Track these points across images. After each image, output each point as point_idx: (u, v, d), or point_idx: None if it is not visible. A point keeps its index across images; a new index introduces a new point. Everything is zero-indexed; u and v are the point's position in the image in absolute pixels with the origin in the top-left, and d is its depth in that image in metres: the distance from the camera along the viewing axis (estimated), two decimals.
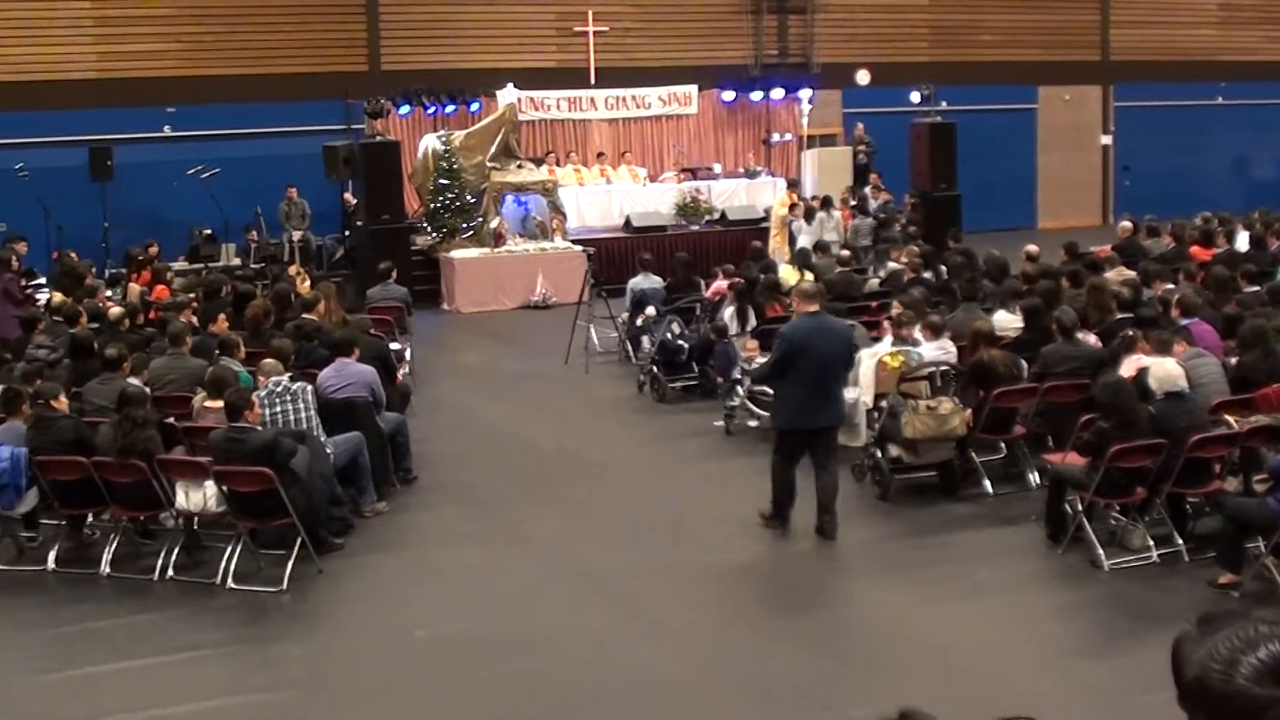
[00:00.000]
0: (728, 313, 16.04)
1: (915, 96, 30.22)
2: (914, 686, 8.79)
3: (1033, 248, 18.86)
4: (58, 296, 18.79)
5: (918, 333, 13.57)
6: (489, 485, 13.90)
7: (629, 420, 16.48)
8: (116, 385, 12.48)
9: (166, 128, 28.66)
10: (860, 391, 13.38)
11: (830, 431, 11.86)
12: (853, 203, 27.94)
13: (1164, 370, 11.05)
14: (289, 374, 12.57)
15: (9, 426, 11.96)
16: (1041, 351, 12.92)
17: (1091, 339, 13.36)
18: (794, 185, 29.38)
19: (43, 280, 22.42)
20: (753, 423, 15.23)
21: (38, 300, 19.35)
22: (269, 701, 9.10)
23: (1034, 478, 12.71)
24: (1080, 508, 10.97)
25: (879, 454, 12.71)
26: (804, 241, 24.77)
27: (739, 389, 15.24)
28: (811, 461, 11.91)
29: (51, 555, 11.69)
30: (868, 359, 13.35)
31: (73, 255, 22.12)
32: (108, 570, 11.43)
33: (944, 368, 12.78)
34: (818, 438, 11.75)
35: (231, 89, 28.59)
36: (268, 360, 12.70)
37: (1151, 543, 10.87)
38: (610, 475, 14.21)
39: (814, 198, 27.69)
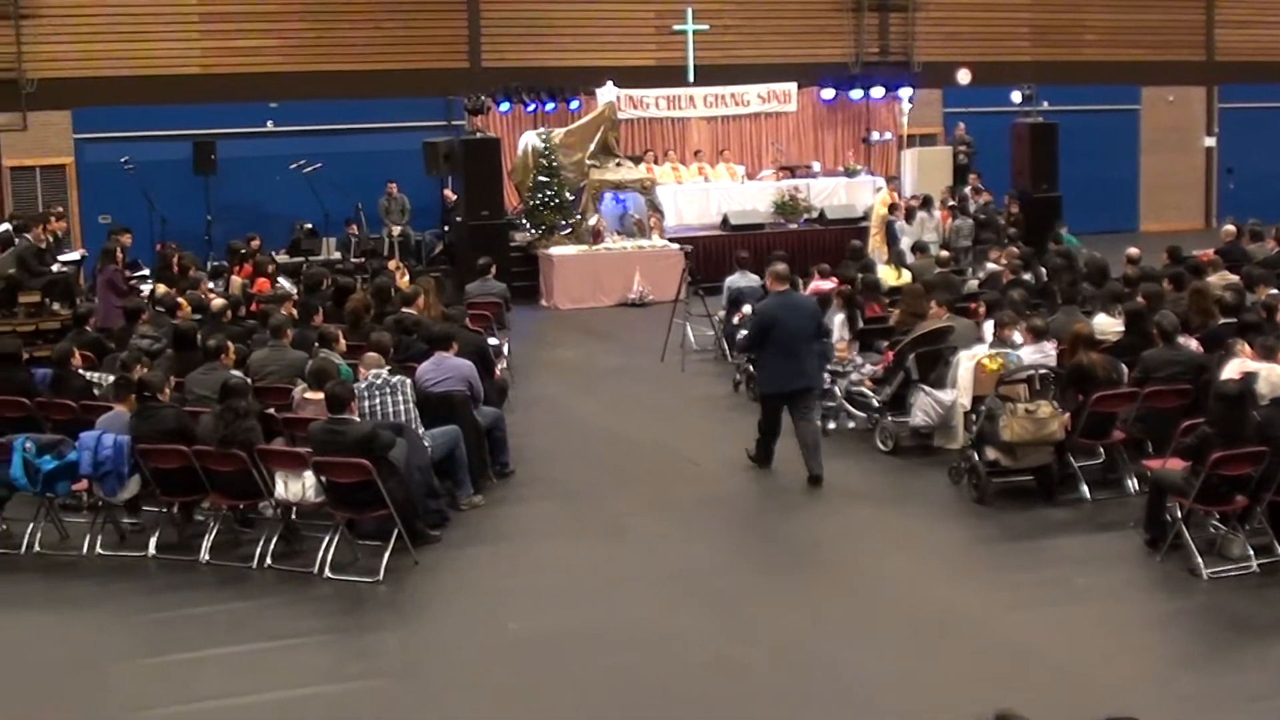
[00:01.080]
0: (837, 319, 15.89)
1: (1016, 96, 29.93)
2: (1008, 690, 8.72)
3: (1134, 250, 18.65)
4: (161, 288, 19.06)
5: (1017, 335, 13.47)
6: (584, 480, 13.96)
7: (724, 418, 16.45)
8: (218, 376, 12.65)
9: (269, 123, 28.97)
10: (958, 393, 13.32)
11: (803, 393, 13.41)
12: (952, 203, 27.73)
13: (1277, 375, 10.92)
14: (388, 367, 12.68)
15: (113, 415, 12.16)
16: (1142, 356, 12.78)
17: (1193, 344, 13.20)
18: (893, 183, 29.23)
19: (146, 272, 22.74)
20: (850, 424, 15.18)
21: (142, 291, 19.62)
22: (364, 690, 9.19)
23: (1132, 484, 12.55)
24: (1179, 515, 10.83)
25: (976, 457, 12.60)
26: (904, 242, 24.65)
27: (836, 389, 15.18)
28: (791, 417, 13.51)
29: (152, 542, 11.88)
30: (966, 360, 13.26)
31: (184, 254, 22.36)
32: (207, 558, 11.60)
33: (1043, 371, 12.66)
34: (793, 399, 13.41)
35: (333, 85, 28.86)
36: (370, 354, 12.80)
37: (1251, 552, 10.73)
38: (704, 473, 14.20)
39: (913, 197, 27.52)
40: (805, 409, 13.47)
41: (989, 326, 14.33)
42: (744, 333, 15.56)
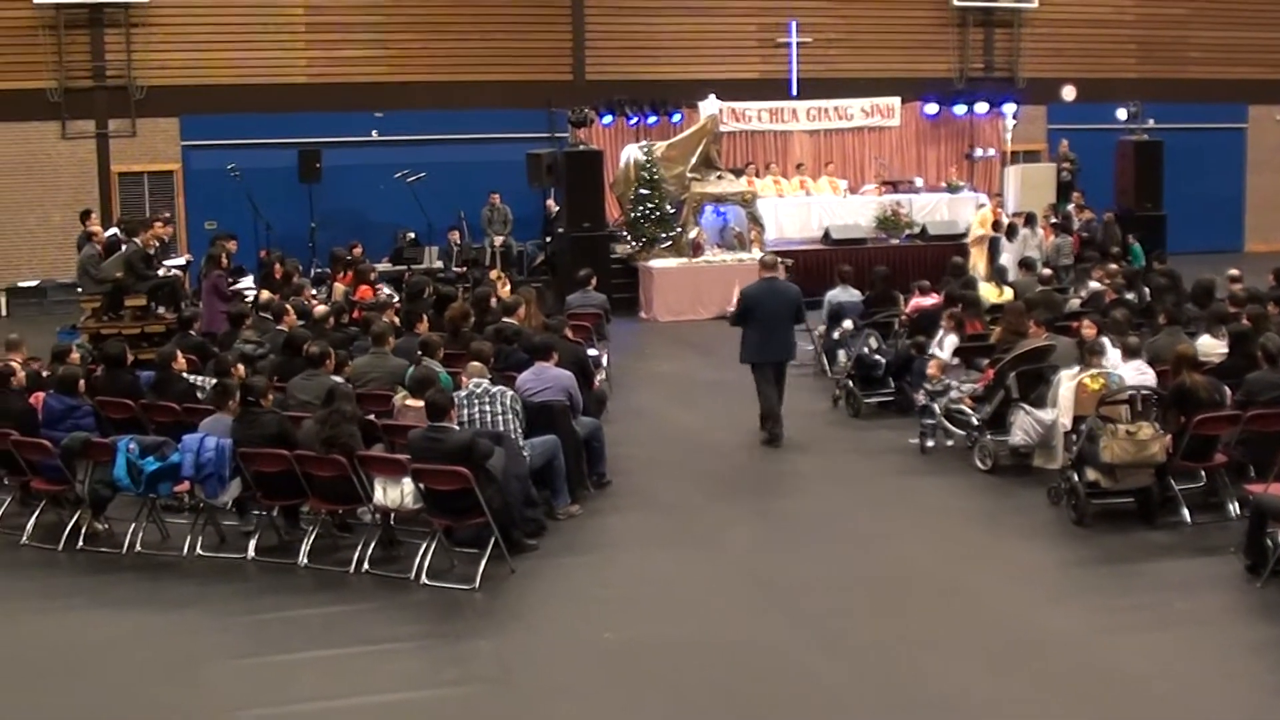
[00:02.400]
0: (948, 341, 15.77)
1: (1121, 113, 29.69)
2: (1102, 715, 8.67)
3: (1235, 271, 18.39)
4: (265, 294, 19.30)
5: (1112, 352, 13.38)
6: (681, 492, 13.97)
7: (822, 433, 16.41)
8: (320, 381, 12.82)
9: (374, 132, 29.32)
10: (1058, 412, 13.19)
11: (777, 364, 15.98)
12: (1055, 220, 27.49)
13: None
14: (489, 377, 12.76)
15: (216, 419, 12.33)
16: (1246, 378, 12.58)
17: None
18: (996, 200, 29.04)
19: (249, 278, 23.03)
20: (949, 441, 15.09)
21: (246, 297, 19.88)
22: (459, 696, 9.25)
23: (1234, 508, 12.34)
24: None
25: (1076, 477, 12.47)
26: (1005, 259, 24.47)
27: (935, 407, 15.09)
28: (765, 381, 15.92)
29: (251, 544, 12.04)
30: (1067, 380, 13.15)
31: (286, 261, 22.64)
32: (305, 561, 11.73)
33: (1145, 392, 12.51)
34: (766, 370, 15.92)
35: (438, 95, 29.16)
36: (474, 363, 12.90)
37: None
38: (802, 488, 14.18)
39: (1016, 214, 27.33)
40: (777, 378, 16.01)
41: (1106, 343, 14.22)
42: (834, 340, 17.67)
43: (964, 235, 27.20)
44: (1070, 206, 28.73)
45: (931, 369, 15.33)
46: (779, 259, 17.88)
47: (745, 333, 15.95)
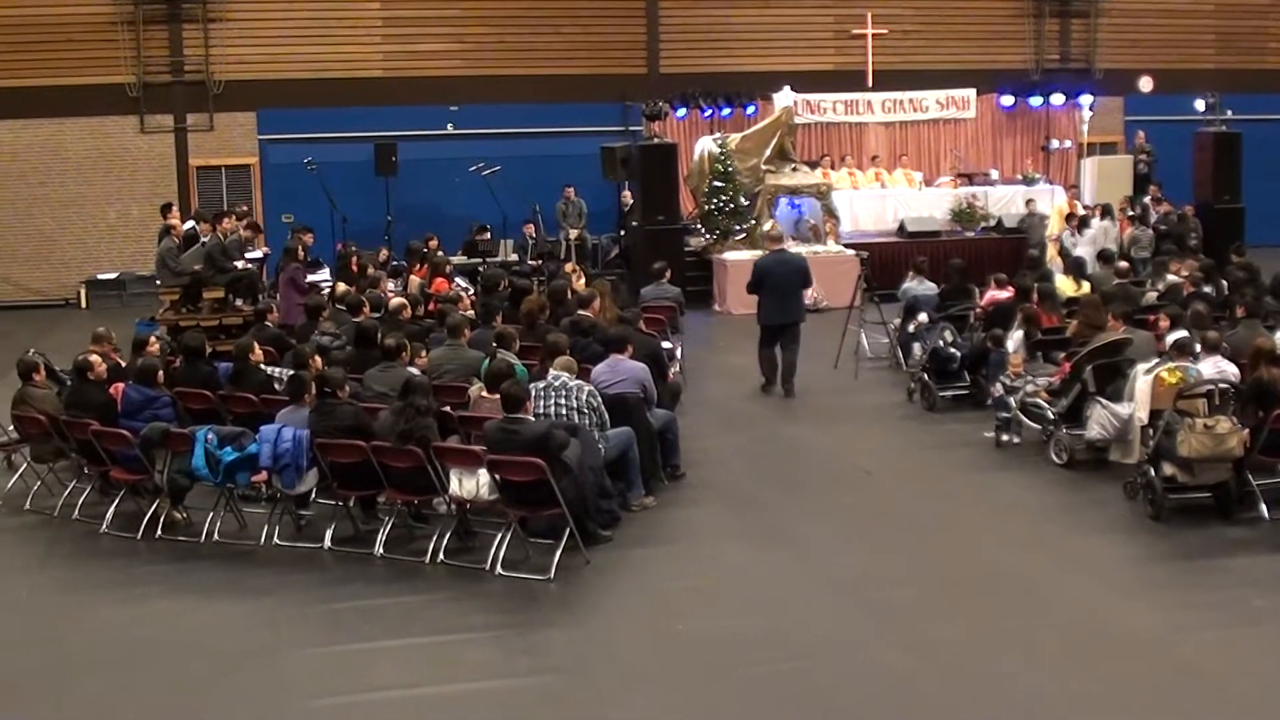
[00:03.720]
0: (1016, 336, 15.73)
1: (1200, 105, 29.40)
2: (1181, 713, 8.62)
3: None
4: (341, 286, 19.43)
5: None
6: (755, 485, 13.98)
7: (897, 427, 16.38)
8: (395, 373, 12.90)
9: (449, 125, 29.47)
10: (1135, 406, 13.10)
11: (789, 327, 18.00)
12: (1131, 212, 27.25)
13: None
14: (574, 373, 12.80)
15: (293, 410, 12.46)
16: None
17: None
18: (1073, 192, 28.84)
19: (326, 271, 23.19)
20: (1016, 439, 15.01)
21: (323, 289, 20.02)
22: (532, 686, 9.30)
23: None
24: None
25: (1153, 472, 12.38)
26: (1082, 251, 24.28)
27: (1011, 400, 15.02)
28: (780, 345, 18.03)
29: (328, 534, 12.14)
30: (1144, 374, 13.05)
31: (362, 254, 22.78)
32: (381, 551, 11.83)
33: (1223, 385, 12.40)
34: (783, 330, 18.00)
35: (513, 89, 29.26)
36: (562, 358, 12.95)
37: None
38: (876, 482, 14.14)
39: (1091, 206, 27.13)
40: (790, 339, 18.06)
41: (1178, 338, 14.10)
42: (910, 333, 18.55)
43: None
44: (1147, 199, 28.46)
45: (1014, 364, 15.25)
46: (784, 234, 21.03)
47: (761, 299, 18.11)
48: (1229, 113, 29.24)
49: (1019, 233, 26.87)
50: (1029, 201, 27.52)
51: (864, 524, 12.71)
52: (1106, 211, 26.18)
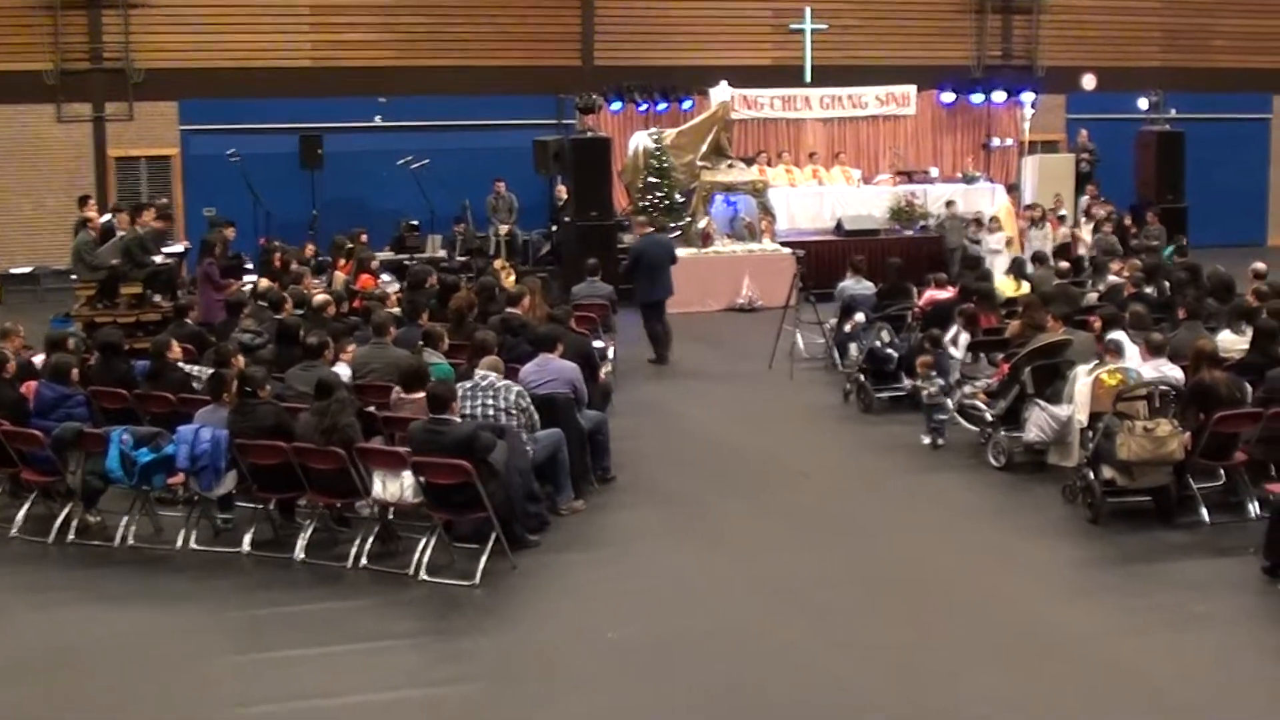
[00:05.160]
0: (962, 339, 15.80)
1: (1143, 103, 29.66)
2: (1120, 718, 8.65)
3: (1260, 265, 18.36)
4: (264, 282, 19.29)
5: (1127, 343, 13.37)
6: (687, 488, 13.95)
7: (832, 429, 16.41)
8: (318, 372, 12.78)
9: (378, 117, 29.33)
10: (1075, 409, 13.16)
11: (663, 302, 20.53)
12: (1062, 212, 27.42)
13: None
14: (501, 373, 12.74)
15: (212, 409, 12.33)
16: (1267, 375, 12.53)
17: None
18: (1013, 193, 28.98)
19: (250, 266, 23.03)
20: (941, 441, 15.12)
21: (244, 286, 19.86)
22: (456, 695, 9.25)
23: (1254, 508, 12.33)
24: None
25: (1092, 475, 12.45)
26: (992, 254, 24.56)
27: (949, 401, 15.08)
28: (653, 319, 20.27)
29: (247, 538, 12.02)
30: (1083, 376, 13.12)
31: (286, 250, 22.64)
32: (302, 556, 11.74)
33: (1163, 388, 12.47)
34: (655, 306, 20.37)
35: (443, 80, 29.16)
36: (490, 357, 12.89)
37: None
38: (810, 484, 14.16)
39: (1029, 207, 27.31)
40: (660, 313, 20.44)
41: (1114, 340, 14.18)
42: (846, 333, 18.40)
43: (1031, 223, 27.02)
44: (1085, 198, 28.64)
45: (921, 363, 15.31)
46: (646, 216, 23.79)
47: (636, 279, 20.40)
48: (1173, 111, 29.52)
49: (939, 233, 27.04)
50: (949, 204, 27.53)
51: (800, 526, 12.71)
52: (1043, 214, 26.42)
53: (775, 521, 12.86)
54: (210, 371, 13.25)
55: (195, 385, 13.85)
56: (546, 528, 12.37)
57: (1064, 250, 22.46)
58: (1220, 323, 15.27)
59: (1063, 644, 9.85)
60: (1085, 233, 26.90)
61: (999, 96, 31.35)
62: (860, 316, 18.17)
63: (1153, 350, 13.18)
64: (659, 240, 21.13)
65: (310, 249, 23.80)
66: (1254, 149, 34.88)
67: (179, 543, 12.12)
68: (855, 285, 19.08)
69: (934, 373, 15.18)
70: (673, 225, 26.07)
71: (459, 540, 11.69)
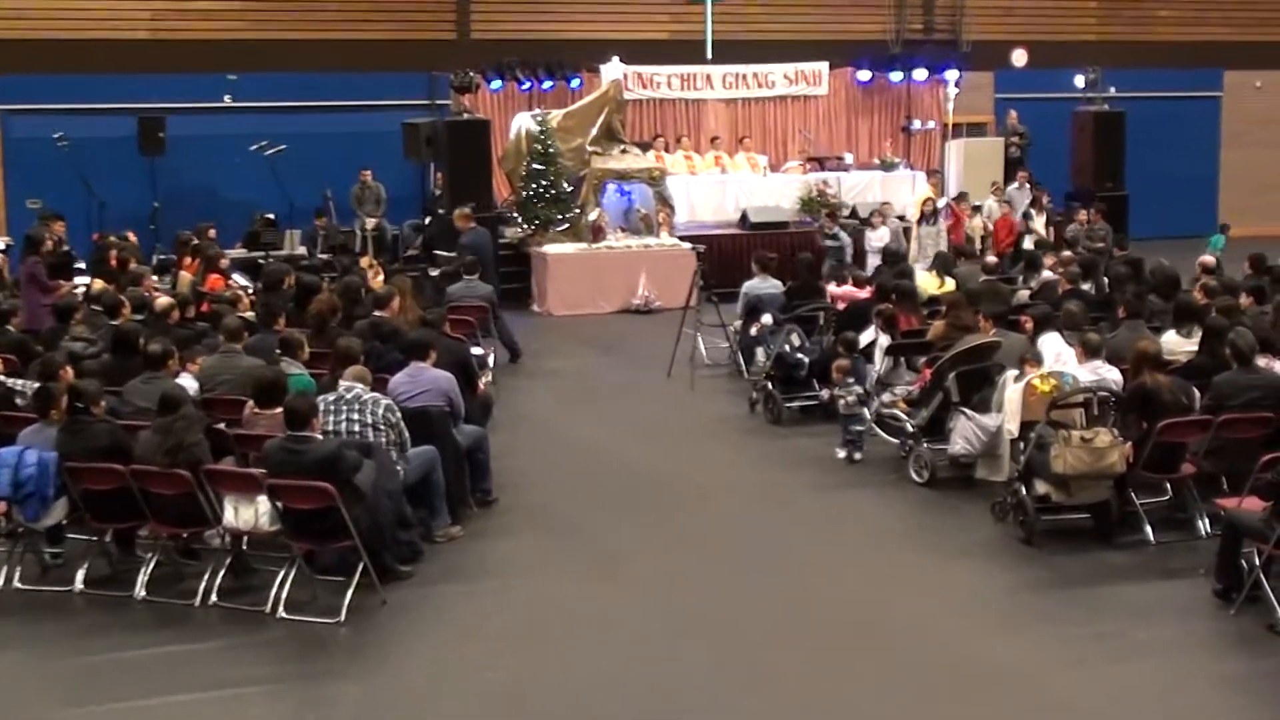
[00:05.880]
0: (880, 343, 15.90)
1: (1079, 81, 30.02)
2: None
3: (1209, 258, 18.64)
4: (98, 284, 19.05)
5: (1062, 345, 13.51)
6: (577, 511, 13.95)
7: (738, 442, 16.48)
8: (161, 385, 12.64)
9: (227, 97, 29.02)
10: (1004, 418, 13.28)
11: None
12: (978, 204, 27.60)
13: None
14: (368, 383, 12.66)
15: (38, 429, 12.12)
16: (1215, 379, 12.69)
17: (1277, 366, 13.13)
18: (934, 178, 29.17)
19: (82, 265, 22.73)
20: (857, 455, 15.20)
21: (75, 287, 19.62)
22: None
23: (1203, 525, 12.51)
24: (1257, 562, 10.80)
25: (1024, 491, 12.57)
26: (924, 246, 24.75)
27: (866, 411, 15.17)
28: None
29: (80, 575, 11.86)
30: (1013, 382, 13.24)
31: (130, 237, 22.39)
32: (143, 593, 11.59)
33: (1102, 394, 12.62)
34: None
35: (301, 56, 28.91)
36: (355, 366, 12.81)
37: None
38: (715, 504, 14.20)
39: (959, 196, 27.50)
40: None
41: (1048, 342, 14.30)
42: (752, 337, 18.56)
43: (901, 218, 27.30)
44: (1014, 186, 28.84)
45: (836, 368, 15.40)
46: (469, 209, 23.50)
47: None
48: (1111, 90, 29.90)
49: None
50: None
51: (703, 552, 12.73)
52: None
53: (675, 548, 12.87)
54: (36, 385, 13.05)
55: (19, 401, 13.65)
56: (420, 557, 12.30)
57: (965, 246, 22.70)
58: (1164, 322, 15.48)
59: (993, 678, 9.95)
60: (1039, 224, 27.13)
61: (920, 74, 31.64)
62: (767, 318, 18.23)
63: (1089, 351, 13.33)
64: (486, 233, 22.20)
65: (133, 237, 23.42)
66: (1202, 130, 35.36)
67: (1, 581, 11.93)
68: (762, 284, 19.14)
69: (851, 379, 15.28)
70: (560, 217, 26.10)
71: (321, 572, 11.61)
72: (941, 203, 27.06)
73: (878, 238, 25.63)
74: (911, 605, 11.37)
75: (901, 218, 27.15)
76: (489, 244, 21.58)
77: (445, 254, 23.13)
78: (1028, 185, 28.69)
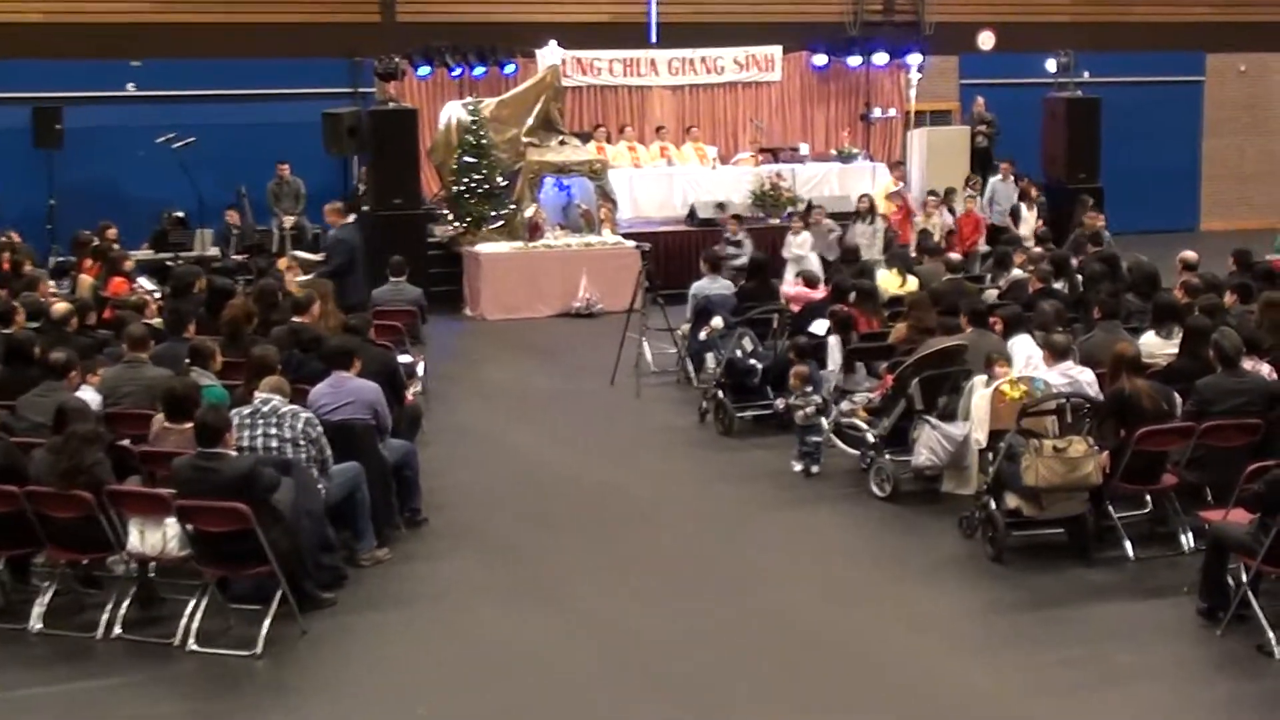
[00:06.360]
0: (833, 341, 15.93)
1: (1051, 65, 30.13)
2: None
3: (1190, 254, 18.70)
4: None
5: (1034, 348, 13.55)
6: (514, 531, 13.94)
7: (687, 456, 16.49)
8: (59, 398, 12.55)
9: (130, 86, 28.89)
10: (971, 426, 13.29)
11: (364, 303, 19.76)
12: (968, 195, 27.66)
13: None
14: (285, 395, 12.59)
15: None
16: (1198, 383, 12.73)
17: (1263, 369, 13.19)
18: (898, 170, 29.20)
19: None
20: (815, 468, 15.23)
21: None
22: None
23: (1187, 540, 12.57)
24: (1245, 579, 10.84)
25: (993, 504, 12.60)
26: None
27: (824, 420, 15.19)
28: None
29: None
30: (981, 388, 13.26)
31: (14, 237, 22.27)
32: (39, 626, 11.49)
33: (1076, 400, 12.65)
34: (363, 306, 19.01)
35: (212, 41, 28.79)
36: (271, 376, 12.73)
37: None
38: (662, 523, 14.21)
39: (947, 192, 27.44)
40: None
41: (1020, 344, 14.33)
42: (701, 342, 18.21)
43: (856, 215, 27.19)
44: (996, 178, 28.80)
45: (794, 375, 15.40)
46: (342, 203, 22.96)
47: (348, 278, 19.96)
48: (1085, 74, 30.04)
49: (834, 219, 27.04)
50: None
51: (649, 575, 12.74)
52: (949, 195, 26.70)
53: (620, 570, 12.88)
54: None
55: None
56: (343, 583, 12.26)
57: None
58: (1143, 322, 15.54)
59: (961, 707, 9.97)
60: (1029, 218, 27.18)
61: (880, 59, 31.73)
62: (718, 321, 18.21)
63: (1056, 354, 13.34)
64: (357, 230, 21.61)
65: (16, 237, 23.25)
66: (1183, 118, 35.54)
67: None
68: (711, 284, 19.15)
69: (809, 387, 15.29)
70: (494, 214, 26.07)
71: (236, 601, 11.56)
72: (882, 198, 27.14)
73: (798, 244, 24.75)
74: (874, 629, 11.39)
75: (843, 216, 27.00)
76: (359, 242, 21.02)
77: (306, 255, 22.97)
78: (1012, 177, 28.75)
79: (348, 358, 13.50)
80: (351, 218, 21.90)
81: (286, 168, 28.35)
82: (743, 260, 23.46)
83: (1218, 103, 36.17)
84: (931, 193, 27.26)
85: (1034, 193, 28.17)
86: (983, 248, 25.81)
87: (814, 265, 22.25)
